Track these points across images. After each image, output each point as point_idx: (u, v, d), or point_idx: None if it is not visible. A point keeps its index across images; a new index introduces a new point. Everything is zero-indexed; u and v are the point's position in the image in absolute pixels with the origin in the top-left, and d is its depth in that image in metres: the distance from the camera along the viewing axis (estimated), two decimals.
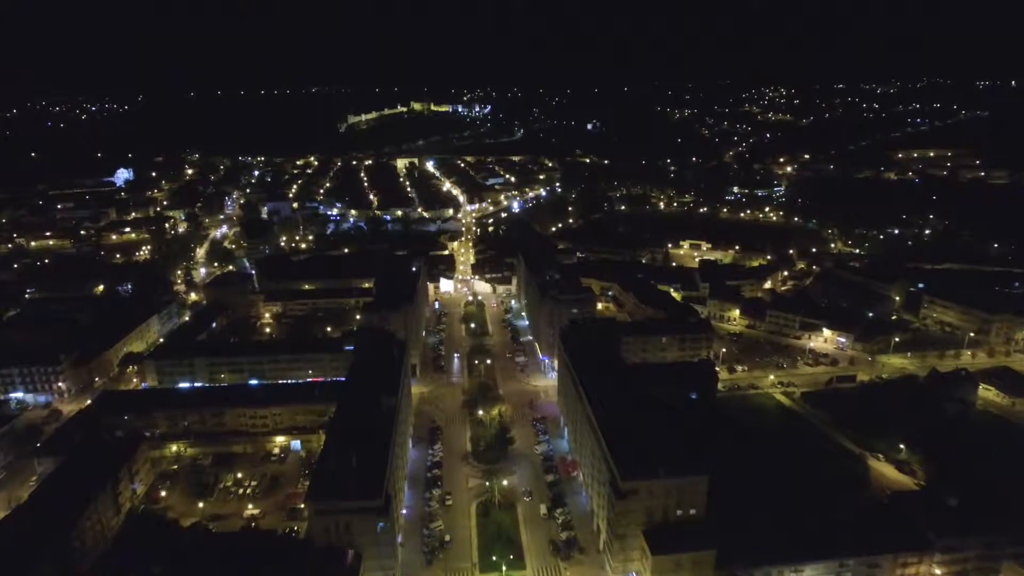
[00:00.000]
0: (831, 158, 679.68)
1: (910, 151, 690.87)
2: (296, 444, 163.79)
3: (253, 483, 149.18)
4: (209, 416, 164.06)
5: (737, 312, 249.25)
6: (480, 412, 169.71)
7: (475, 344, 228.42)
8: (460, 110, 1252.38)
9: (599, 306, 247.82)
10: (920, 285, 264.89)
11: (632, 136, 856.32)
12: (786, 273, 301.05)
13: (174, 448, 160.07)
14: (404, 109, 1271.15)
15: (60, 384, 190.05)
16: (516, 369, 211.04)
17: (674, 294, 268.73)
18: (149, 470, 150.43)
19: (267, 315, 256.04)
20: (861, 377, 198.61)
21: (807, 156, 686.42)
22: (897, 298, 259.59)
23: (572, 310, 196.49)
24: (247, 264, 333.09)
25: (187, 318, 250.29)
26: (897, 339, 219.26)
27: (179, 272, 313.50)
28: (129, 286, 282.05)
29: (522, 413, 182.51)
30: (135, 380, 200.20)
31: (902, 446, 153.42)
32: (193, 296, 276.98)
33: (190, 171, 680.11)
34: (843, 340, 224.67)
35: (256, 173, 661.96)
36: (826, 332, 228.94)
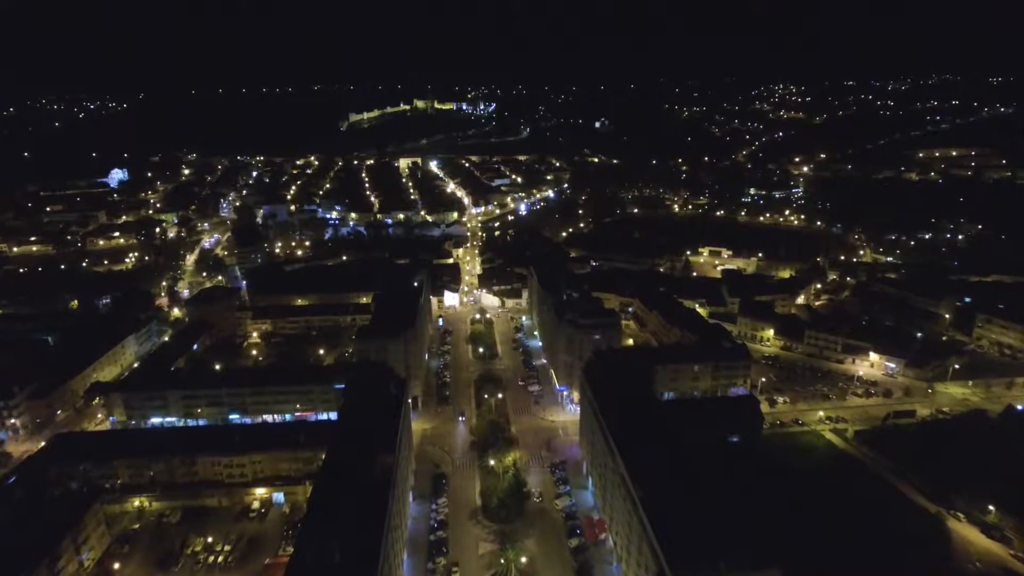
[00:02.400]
0: (848, 158, 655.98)
1: (931, 150, 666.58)
2: (279, 497, 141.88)
3: (227, 548, 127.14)
4: (179, 464, 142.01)
5: (771, 332, 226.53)
6: (491, 461, 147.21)
7: (483, 370, 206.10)
8: (464, 108, 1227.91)
9: None
10: (966, 299, 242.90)
11: (640, 135, 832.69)
12: (819, 286, 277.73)
13: (136, 503, 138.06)
14: (407, 107, 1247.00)
15: (14, 421, 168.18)
16: (530, 400, 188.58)
17: (699, 310, 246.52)
18: (103, 533, 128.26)
19: (255, 334, 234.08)
20: (920, 411, 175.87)
21: (823, 156, 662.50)
22: (947, 315, 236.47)
23: (594, 336, 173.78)
24: (238, 273, 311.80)
25: (167, 338, 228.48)
26: (956, 366, 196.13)
27: (164, 283, 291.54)
28: (108, 299, 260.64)
29: (538, 455, 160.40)
30: (100, 415, 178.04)
31: (991, 507, 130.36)
32: (176, 312, 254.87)
33: (187, 171, 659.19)
34: (892, 365, 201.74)
35: (254, 174, 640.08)
36: (872, 356, 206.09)
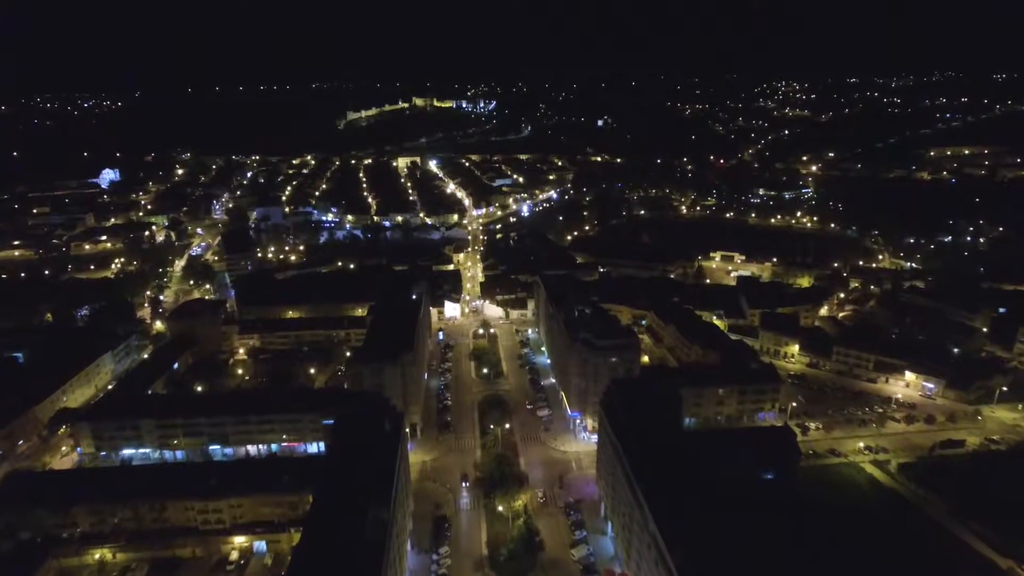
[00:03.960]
0: (857, 156, 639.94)
1: (942, 148, 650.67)
2: (260, 546, 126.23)
3: None
4: (147, 509, 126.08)
5: (796, 348, 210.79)
6: (499, 506, 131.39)
7: (488, 392, 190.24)
8: (464, 106, 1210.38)
9: None
10: (1001, 310, 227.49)
11: (643, 133, 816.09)
12: (841, 295, 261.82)
13: (97, 555, 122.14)
14: (405, 105, 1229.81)
15: None
16: (539, 427, 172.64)
17: (716, 322, 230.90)
18: None
19: (242, 350, 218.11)
20: (969, 440, 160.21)
21: (831, 154, 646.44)
22: (983, 328, 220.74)
23: (611, 359, 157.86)
24: (228, 280, 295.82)
25: (146, 355, 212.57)
26: (1004, 387, 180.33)
27: (148, 293, 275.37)
28: (85, 311, 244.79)
29: (550, 493, 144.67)
30: (66, 447, 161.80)
31: None
32: (159, 325, 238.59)
33: (180, 171, 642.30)
34: (930, 386, 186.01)
35: (249, 174, 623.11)
36: (908, 375, 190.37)
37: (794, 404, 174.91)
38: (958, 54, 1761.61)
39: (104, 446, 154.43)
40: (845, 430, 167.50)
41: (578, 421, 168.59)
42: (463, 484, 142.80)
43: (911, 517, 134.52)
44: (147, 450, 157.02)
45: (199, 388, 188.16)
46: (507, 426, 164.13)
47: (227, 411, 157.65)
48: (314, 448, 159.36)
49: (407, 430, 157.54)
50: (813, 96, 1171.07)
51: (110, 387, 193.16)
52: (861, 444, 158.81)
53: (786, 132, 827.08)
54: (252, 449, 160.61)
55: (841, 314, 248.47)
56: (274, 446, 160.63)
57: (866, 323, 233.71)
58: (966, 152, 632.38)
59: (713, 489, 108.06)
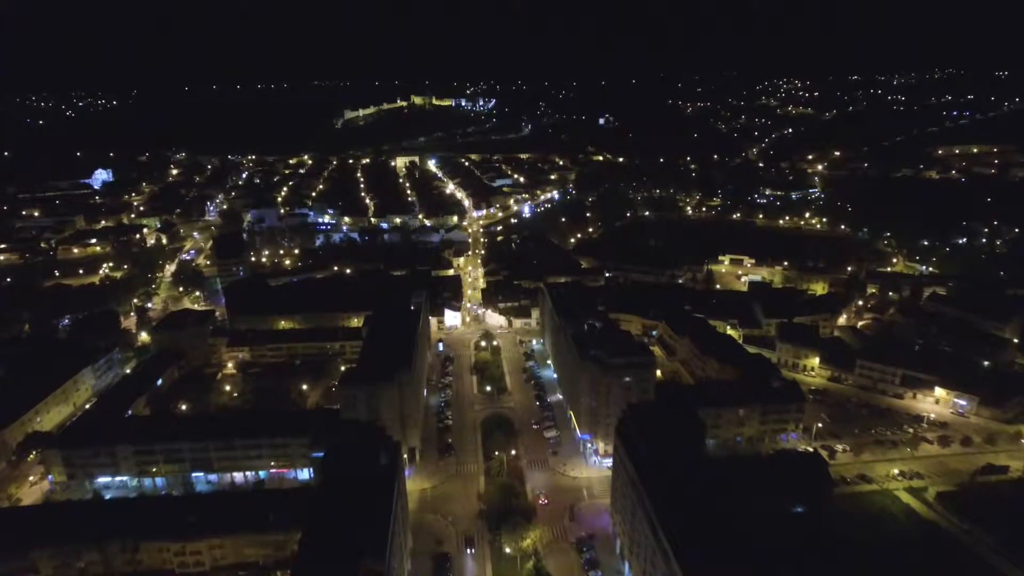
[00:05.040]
0: (864, 155, 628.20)
1: (951, 147, 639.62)
2: None
3: None
4: (117, 552, 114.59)
5: (816, 360, 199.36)
6: (506, 547, 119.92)
7: (491, 411, 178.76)
8: (464, 104, 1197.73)
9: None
10: None
11: (645, 132, 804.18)
12: (859, 303, 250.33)
13: None
14: (404, 104, 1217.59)
15: None
16: (546, 449, 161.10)
17: (731, 332, 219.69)
18: None
19: (230, 364, 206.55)
20: (1014, 466, 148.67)
21: (837, 153, 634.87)
22: (1014, 340, 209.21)
23: (624, 379, 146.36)
24: (219, 287, 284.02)
25: (129, 370, 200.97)
26: None
27: (135, 301, 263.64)
28: (67, 320, 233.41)
29: (560, 525, 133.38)
30: (34, 476, 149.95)
31: None
32: (144, 336, 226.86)
33: (175, 171, 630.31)
34: (963, 403, 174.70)
35: (245, 174, 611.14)
36: (938, 391, 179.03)
37: (819, 425, 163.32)
38: (958, 52, 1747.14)
39: (77, 474, 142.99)
40: (875, 453, 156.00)
41: (588, 444, 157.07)
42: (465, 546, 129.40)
43: (954, 553, 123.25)
44: (124, 478, 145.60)
45: (184, 407, 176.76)
46: (513, 452, 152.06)
47: (211, 435, 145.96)
48: (305, 474, 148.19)
49: (405, 456, 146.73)
50: (816, 94, 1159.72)
51: (89, 405, 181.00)
52: (896, 471, 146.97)
53: (790, 130, 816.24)
54: (238, 476, 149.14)
55: (860, 323, 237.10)
56: (262, 473, 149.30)
57: (888, 333, 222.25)
58: (975, 151, 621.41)
59: (743, 528, 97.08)
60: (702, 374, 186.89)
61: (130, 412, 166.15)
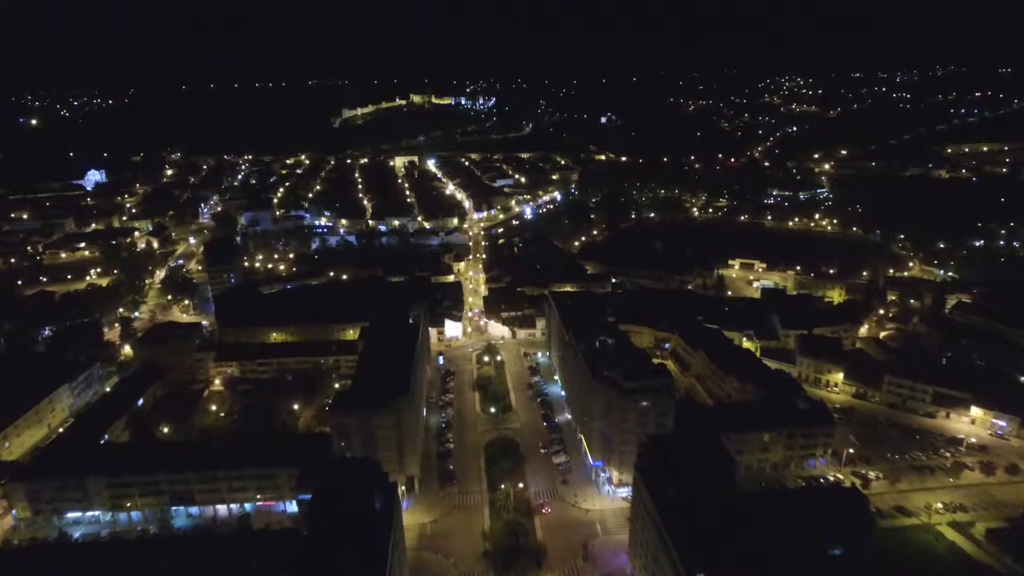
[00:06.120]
0: (871, 154, 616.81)
1: (959, 145, 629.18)
2: None
3: None
4: None
5: (840, 376, 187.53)
6: None
7: (495, 433, 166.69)
8: (463, 103, 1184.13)
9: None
10: None
11: (648, 130, 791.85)
12: (881, 312, 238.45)
13: None
14: (403, 102, 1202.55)
15: None
16: (555, 476, 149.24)
17: (747, 344, 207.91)
18: None
19: (218, 381, 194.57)
20: None
21: (844, 152, 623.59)
22: None
23: (641, 403, 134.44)
24: (210, 294, 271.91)
25: (108, 388, 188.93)
26: None
27: (121, 310, 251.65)
28: (46, 332, 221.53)
29: (572, 566, 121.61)
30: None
31: None
32: (128, 350, 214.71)
33: (170, 172, 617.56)
34: (1003, 423, 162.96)
35: (240, 175, 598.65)
36: (974, 410, 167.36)
37: (850, 450, 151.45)
38: (958, 49, 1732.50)
39: (44, 509, 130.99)
40: (912, 481, 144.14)
41: (601, 472, 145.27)
42: None
43: None
44: (97, 512, 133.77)
45: (166, 429, 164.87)
46: (520, 485, 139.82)
47: (193, 465, 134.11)
48: (294, 506, 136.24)
49: (403, 488, 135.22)
50: (820, 91, 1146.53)
51: (65, 427, 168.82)
52: (939, 505, 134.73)
53: (794, 128, 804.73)
54: (222, 509, 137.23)
55: (883, 333, 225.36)
56: (248, 506, 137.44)
57: (914, 345, 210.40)
58: (984, 149, 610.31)
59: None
60: (720, 392, 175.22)
61: (107, 437, 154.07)
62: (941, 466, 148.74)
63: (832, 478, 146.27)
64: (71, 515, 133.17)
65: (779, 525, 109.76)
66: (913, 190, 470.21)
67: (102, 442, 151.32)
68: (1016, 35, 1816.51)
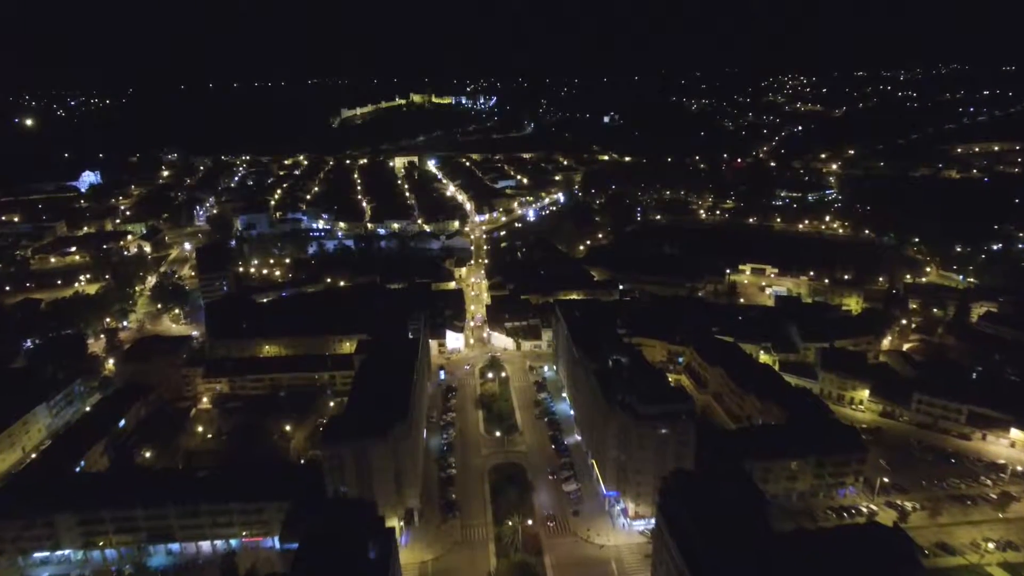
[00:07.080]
0: (879, 153, 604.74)
1: (969, 145, 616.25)
2: None
3: None
4: None
5: (865, 393, 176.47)
6: None
7: (500, 458, 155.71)
8: (464, 102, 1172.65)
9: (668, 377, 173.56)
10: None
11: (651, 130, 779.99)
12: (903, 321, 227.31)
13: None
14: (403, 102, 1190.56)
15: None
16: (566, 506, 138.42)
17: (764, 357, 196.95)
18: None
19: (206, 398, 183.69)
20: None
21: (851, 152, 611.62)
22: None
23: (660, 430, 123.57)
24: (202, 302, 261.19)
25: (90, 407, 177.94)
26: None
27: (108, 320, 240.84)
28: (28, 344, 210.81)
29: None
30: None
31: None
32: (110, 365, 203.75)
33: (166, 173, 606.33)
34: None
35: (238, 176, 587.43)
36: (1014, 432, 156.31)
37: (885, 479, 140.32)
38: (958, 48, 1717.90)
39: (6, 550, 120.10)
40: (953, 513, 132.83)
41: (615, 503, 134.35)
42: None
43: None
44: (67, 551, 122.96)
45: (147, 454, 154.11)
46: (529, 521, 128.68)
47: (173, 497, 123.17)
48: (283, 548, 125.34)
49: (401, 523, 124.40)
50: (824, 90, 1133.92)
51: (40, 451, 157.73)
52: (990, 544, 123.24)
53: (799, 128, 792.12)
54: (205, 546, 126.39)
55: (906, 346, 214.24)
56: (234, 542, 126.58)
57: (938, 358, 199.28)
58: (995, 148, 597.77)
59: None
60: (739, 411, 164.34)
61: (83, 464, 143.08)
62: (985, 496, 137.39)
63: (865, 508, 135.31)
64: (38, 555, 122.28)
65: (819, 572, 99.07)
66: (924, 191, 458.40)
67: (77, 469, 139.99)
68: (1016, 35, 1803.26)
